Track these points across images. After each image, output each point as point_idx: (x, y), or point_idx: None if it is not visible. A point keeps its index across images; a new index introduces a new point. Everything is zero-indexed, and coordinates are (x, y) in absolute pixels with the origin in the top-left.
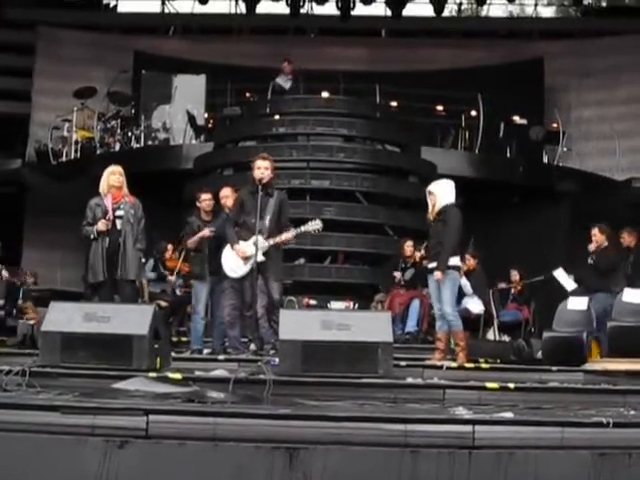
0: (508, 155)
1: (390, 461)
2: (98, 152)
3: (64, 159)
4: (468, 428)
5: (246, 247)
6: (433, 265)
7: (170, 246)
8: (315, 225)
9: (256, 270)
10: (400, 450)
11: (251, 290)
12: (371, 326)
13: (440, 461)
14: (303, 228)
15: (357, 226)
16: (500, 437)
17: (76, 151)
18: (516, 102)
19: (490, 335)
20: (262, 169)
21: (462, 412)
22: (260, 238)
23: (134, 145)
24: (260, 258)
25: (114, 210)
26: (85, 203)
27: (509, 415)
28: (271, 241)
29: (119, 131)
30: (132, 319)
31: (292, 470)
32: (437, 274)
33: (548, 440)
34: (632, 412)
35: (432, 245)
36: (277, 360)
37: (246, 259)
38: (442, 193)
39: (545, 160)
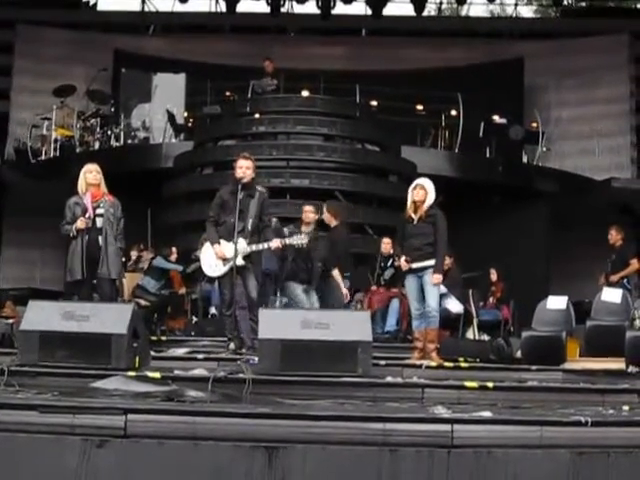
0: (488, 155)
1: (369, 460)
2: (78, 151)
3: (43, 158)
4: (447, 427)
5: (226, 249)
6: (419, 265)
7: (174, 249)
8: (300, 240)
9: (235, 270)
10: (379, 449)
11: (230, 289)
12: (350, 325)
13: (419, 460)
14: (288, 241)
15: None
16: (479, 436)
17: (55, 150)
18: (496, 102)
19: (470, 334)
20: (244, 169)
21: (441, 411)
22: (242, 242)
23: (114, 144)
24: (240, 262)
25: (94, 208)
26: (64, 202)
27: (488, 414)
28: (253, 247)
29: (99, 130)
30: (111, 318)
31: (271, 469)
32: (437, 277)
33: (527, 439)
34: (611, 411)
35: (417, 245)
36: (256, 359)
37: (225, 260)
38: (431, 191)
39: (524, 160)
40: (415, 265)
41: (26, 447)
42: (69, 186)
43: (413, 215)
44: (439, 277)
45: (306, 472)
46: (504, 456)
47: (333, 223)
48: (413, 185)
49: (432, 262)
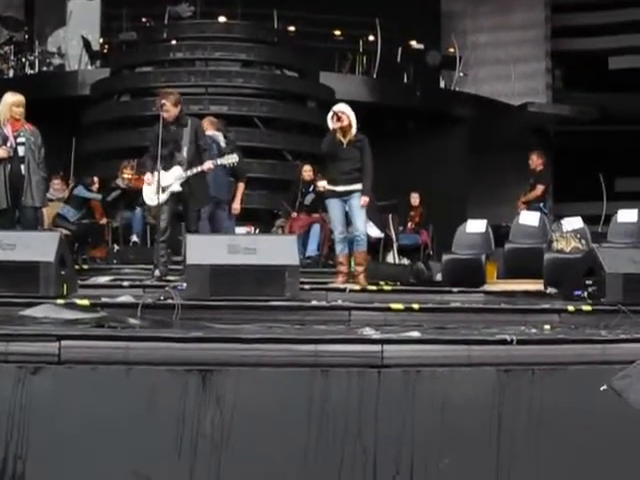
0: (405, 80)
1: (301, 381)
2: None
3: None
4: (377, 347)
5: (163, 177)
6: (346, 189)
7: (96, 179)
8: (232, 159)
9: (175, 198)
10: (311, 370)
11: (167, 217)
12: (277, 249)
13: (350, 380)
14: (219, 161)
15: (256, 151)
16: (408, 356)
17: None
18: (413, 27)
19: (390, 259)
20: (164, 110)
21: (370, 332)
22: (178, 169)
23: (28, 71)
24: (177, 189)
25: (15, 137)
26: None
27: (416, 334)
28: (188, 172)
29: (12, 57)
30: (38, 246)
31: (205, 391)
32: (364, 199)
33: (455, 358)
34: (533, 330)
35: (347, 169)
36: (184, 285)
37: (164, 189)
38: (353, 116)
39: (442, 85)
40: (342, 188)
41: None
42: None
43: (342, 139)
44: (366, 199)
45: (240, 393)
46: (433, 374)
47: None
48: (332, 112)
49: (359, 186)
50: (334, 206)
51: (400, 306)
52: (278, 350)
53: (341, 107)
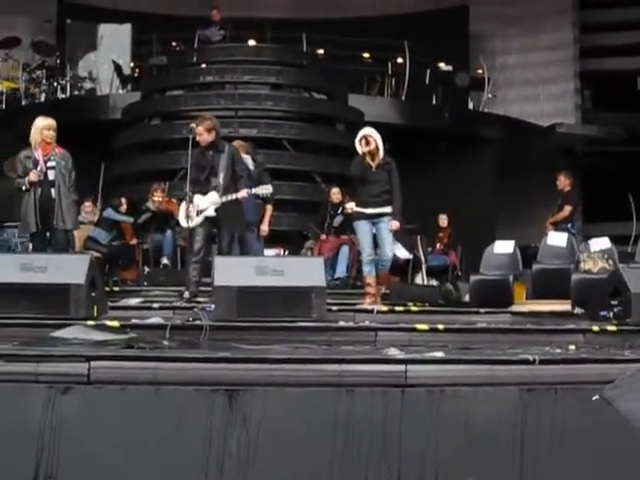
0: (434, 102)
1: (326, 400)
2: (23, 103)
3: None
4: (401, 367)
5: (201, 201)
6: (376, 211)
7: (124, 200)
8: (266, 189)
9: (210, 222)
10: (336, 390)
11: (202, 239)
12: (304, 271)
13: (374, 399)
14: (253, 190)
15: (285, 174)
16: (432, 375)
17: (0, 102)
18: (442, 49)
19: (418, 280)
20: (197, 135)
21: (394, 352)
22: (214, 194)
23: (60, 95)
24: (211, 213)
25: (45, 161)
26: (10, 155)
27: (440, 354)
28: (224, 198)
29: (44, 82)
30: (69, 268)
31: (232, 411)
32: (395, 224)
33: (478, 377)
34: (558, 350)
35: (376, 192)
36: (213, 306)
37: (199, 212)
38: (380, 141)
39: (470, 106)
40: (371, 211)
41: None
42: (15, 139)
43: (371, 162)
44: (397, 224)
45: (266, 413)
46: (456, 393)
47: None
48: (360, 136)
49: (389, 209)
50: (362, 228)
51: (425, 327)
52: (303, 370)
53: (368, 131)
